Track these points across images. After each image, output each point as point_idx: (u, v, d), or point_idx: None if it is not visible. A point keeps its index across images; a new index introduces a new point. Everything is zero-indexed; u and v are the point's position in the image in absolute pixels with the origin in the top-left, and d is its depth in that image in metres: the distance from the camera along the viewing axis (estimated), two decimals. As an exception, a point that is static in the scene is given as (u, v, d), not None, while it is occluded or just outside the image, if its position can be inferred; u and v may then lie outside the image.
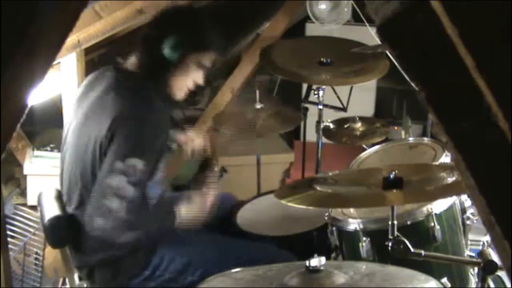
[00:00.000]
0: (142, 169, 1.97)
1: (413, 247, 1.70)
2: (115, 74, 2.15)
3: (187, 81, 2.18)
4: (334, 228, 2.08)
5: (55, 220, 2.14)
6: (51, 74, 2.93)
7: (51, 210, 2.18)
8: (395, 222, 1.71)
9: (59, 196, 2.26)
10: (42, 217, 2.20)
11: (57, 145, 3.43)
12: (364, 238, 1.95)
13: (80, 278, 2.28)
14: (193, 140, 2.45)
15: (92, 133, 2.04)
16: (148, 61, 2.15)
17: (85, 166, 2.08)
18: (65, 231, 2.15)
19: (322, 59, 2.91)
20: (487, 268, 1.64)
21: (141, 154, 1.98)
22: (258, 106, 2.88)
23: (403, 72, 0.75)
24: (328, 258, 1.66)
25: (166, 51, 2.10)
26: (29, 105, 0.78)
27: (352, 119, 3.02)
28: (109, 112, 2.02)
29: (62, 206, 2.20)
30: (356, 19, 3.93)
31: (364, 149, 2.70)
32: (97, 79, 2.18)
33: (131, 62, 2.17)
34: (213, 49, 2.20)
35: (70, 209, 2.16)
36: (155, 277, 2.12)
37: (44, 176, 3.30)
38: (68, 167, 2.17)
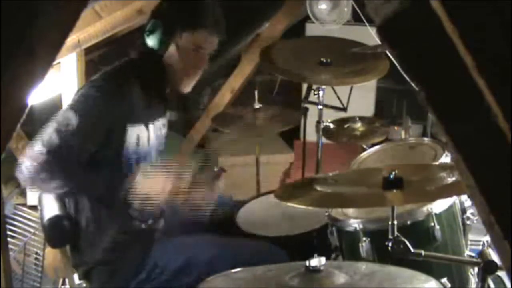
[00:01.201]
0: (74, 124, 1.94)
1: (413, 247, 1.70)
2: (106, 69, 2.14)
3: (187, 68, 2.09)
4: (334, 228, 2.08)
5: (55, 219, 2.14)
6: (51, 74, 2.93)
7: (51, 209, 2.18)
8: (395, 222, 1.71)
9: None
10: (41, 216, 2.21)
11: (57, 145, 3.44)
12: (364, 238, 1.95)
13: (80, 278, 2.28)
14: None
15: None
16: (137, 51, 2.13)
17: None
18: (64, 231, 2.15)
19: (322, 59, 2.90)
20: (487, 268, 1.64)
21: (78, 112, 1.95)
22: (258, 106, 2.88)
23: (403, 72, 0.75)
24: (328, 258, 1.66)
25: (147, 39, 2.07)
26: (29, 105, 0.78)
27: (352, 119, 3.03)
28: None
29: (62, 206, 2.20)
30: (356, 19, 3.93)
31: (364, 149, 2.70)
32: None
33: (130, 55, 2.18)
34: (206, 27, 2.07)
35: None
36: (152, 279, 2.11)
37: (44, 176, 3.29)
38: None
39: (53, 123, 1.96)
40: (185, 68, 2.10)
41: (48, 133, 1.94)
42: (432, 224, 1.92)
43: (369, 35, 3.11)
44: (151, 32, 2.06)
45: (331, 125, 2.98)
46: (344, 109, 3.08)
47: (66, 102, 3.09)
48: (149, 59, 2.09)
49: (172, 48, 2.08)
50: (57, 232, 2.16)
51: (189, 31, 2.06)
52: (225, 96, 4.13)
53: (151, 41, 2.07)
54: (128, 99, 2.05)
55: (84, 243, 2.15)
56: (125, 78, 2.07)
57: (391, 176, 1.73)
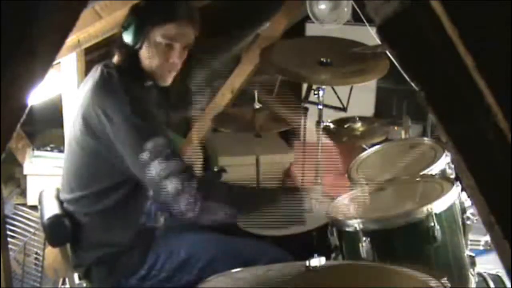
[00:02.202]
0: (163, 141, 1.98)
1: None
2: (99, 69, 2.16)
3: (161, 63, 2.11)
4: (334, 228, 2.08)
5: (55, 218, 2.14)
6: (51, 74, 2.93)
7: (51, 208, 2.19)
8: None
9: (60, 195, 2.27)
10: (42, 215, 2.21)
11: (57, 145, 3.44)
12: (364, 238, 1.95)
13: (80, 277, 2.29)
14: None
15: (78, 127, 2.11)
16: (118, 50, 2.17)
17: (75, 160, 2.13)
18: (64, 229, 2.15)
19: (322, 59, 2.90)
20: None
21: (150, 133, 1.98)
22: (258, 106, 2.88)
23: (403, 72, 0.75)
24: (328, 258, 1.66)
25: (125, 36, 2.11)
26: (29, 105, 0.78)
27: (352, 119, 3.02)
28: (84, 109, 2.08)
29: (62, 205, 2.21)
30: (356, 19, 3.93)
31: (364, 149, 2.70)
32: (91, 76, 2.20)
33: (115, 57, 2.20)
34: (175, 21, 2.09)
35: (63, 196, 2.21)
36: (151, 277, 2.12)
37: (44, 176, 3.30)
38: (65, 163, 2.22)
39: (153, 163, 1.96)
40: (159, 63, 2.12)
41: (167, 166, 1.96)
42: (432, 224, 1.92)
43: (369, 35, 3.11)
44: (125, 28, 2.11)
45: (331, 125, 2.98)
46: (344, 109, 3.08)
47: (66, 104, 3.10)
48: (127, 56, 2.13)
49: (145, 43, 2.10)
50: (57, 231, 2.17)
51: (159, 26, 2.08)
52: (225, 96, 4.12)
53: (126, 37, 2.11)
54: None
55: (85, 241, 2.15)
56: (124, 78, 2.11)
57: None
